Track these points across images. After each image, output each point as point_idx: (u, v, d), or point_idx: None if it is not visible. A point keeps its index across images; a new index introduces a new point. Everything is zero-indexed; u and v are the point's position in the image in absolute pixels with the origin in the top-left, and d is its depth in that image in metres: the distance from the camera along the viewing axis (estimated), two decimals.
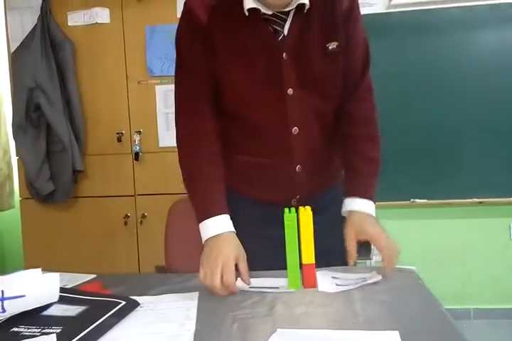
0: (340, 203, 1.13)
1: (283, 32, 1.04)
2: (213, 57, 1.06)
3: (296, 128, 1.09)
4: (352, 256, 1.04)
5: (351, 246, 1.05)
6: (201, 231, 1.03)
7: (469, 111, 2.37)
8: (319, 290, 0.96)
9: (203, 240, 1.03)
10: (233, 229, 1.03)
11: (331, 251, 1.06)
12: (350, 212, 1.09)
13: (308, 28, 1.04)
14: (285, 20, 1.04)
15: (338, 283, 0.98)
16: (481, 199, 2.38)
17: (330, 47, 1.06)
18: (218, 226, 1.02)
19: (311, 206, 0.98)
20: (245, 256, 1.00)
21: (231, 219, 1.05)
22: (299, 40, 1.04)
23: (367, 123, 1.15)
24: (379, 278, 0.99)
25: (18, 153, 2.21)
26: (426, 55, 2.36)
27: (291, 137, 1.09)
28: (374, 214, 1.09)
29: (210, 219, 1.02)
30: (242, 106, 1.09)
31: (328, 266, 1.06)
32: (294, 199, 1.15)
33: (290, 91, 1.06)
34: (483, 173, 2.37)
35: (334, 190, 1.20)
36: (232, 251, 0.98)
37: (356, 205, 1.09)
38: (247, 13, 1.01)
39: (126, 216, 2.23)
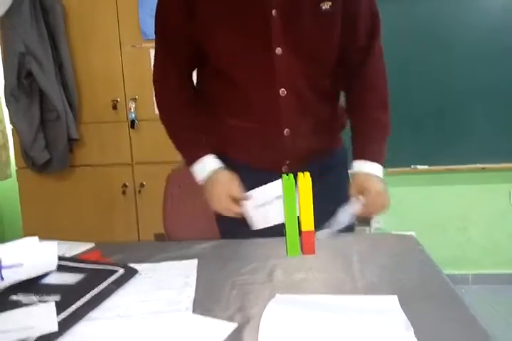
0: (336, 172, 1.15)
1: None
2: (197, 18, 1.03)
3: (283, 89, 1.06)
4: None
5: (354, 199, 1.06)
6: (195, 176, 1.13)
7: (474, 76, 2.32)
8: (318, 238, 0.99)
9: (200, 182, 1.12)
10: (217, 165, 1.10)
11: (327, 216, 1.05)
12: (357, 173, 1.10)
13: None
14: None
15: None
16: (483, 165, 2.36)
17: (323, 7, 1.02)
18: (205, 168, 1.10)
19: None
20: (236, 182, 1.07)
21: None
22: None
23: (379, 89, 1.14)
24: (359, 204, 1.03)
25: (11, 122, 2.17)
26: (432, 16, 2.28)
27: (279, 99, 1.07)
28: (381, 176, 1.10)
29: (195, 164, 1.11)
30: (230, 66, 1.07)
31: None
32: (284, 165, 1.14)
33: (279, 50, 1.03)
34: (486, 139, 2.35)
35: (330, 158, 1.20)
36: (221, 187, 1.06)
37: (363, 167, 1.10)
38: None
39: (125, 185, 2.22)
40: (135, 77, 2.16)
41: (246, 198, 1.05)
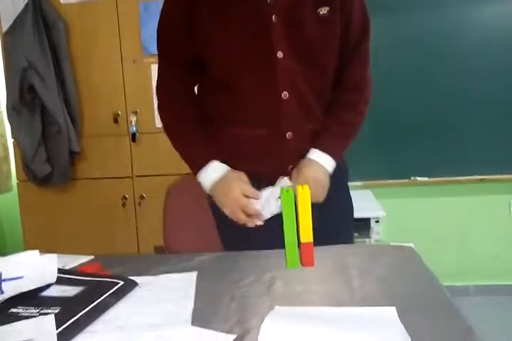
0: (336, 179, 1.13)
1: None
2: (197, 27, 1.05)
3: (286, 93, 1.08)
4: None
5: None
6: (202, 184, 1.12)
7: (471, 87, 2.33)
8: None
9: (207, 190, 1.11)
10: (225, 168, 1.10)
11: (329, 229, 1.06)
12: (305, 158, 1.12)
13: None
14: None
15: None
16: (482, 177, 2.37)
17: (321, 12, 1.05)
18: (211, 176, 1.09)
19: None
20: (246, 180, 1.08)
21: None
22: (290, 3, 1.04)
23: (352, 90, 1.16)
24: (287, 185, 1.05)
25: (13, 135, 2.19)
26: (428, 30, 2.31)
27: (281, 102, 1.08)
28: (327, 168, 1.12)
29: (200, 172, 1.10)
30: (231, 72, 1.08)
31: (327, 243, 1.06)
32: (287, 171, 1.14)
33: (280, 54, 1.05)
34: (485, 150, 2.36)
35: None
36: (235, 188, 1.05)
37: (313, 155, 1.11)
38: None
39: (124, 197, 2.22)
40: (136, 90, 2.19)
41: (259, 197, 1.05)
